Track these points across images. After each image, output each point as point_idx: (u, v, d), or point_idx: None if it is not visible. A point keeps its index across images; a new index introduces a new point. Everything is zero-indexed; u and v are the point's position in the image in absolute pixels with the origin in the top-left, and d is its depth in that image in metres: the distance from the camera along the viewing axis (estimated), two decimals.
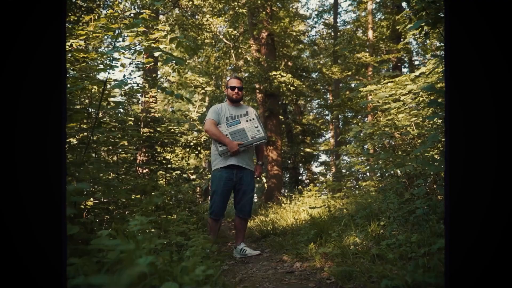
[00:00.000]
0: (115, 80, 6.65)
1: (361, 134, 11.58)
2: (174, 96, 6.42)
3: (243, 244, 7.33)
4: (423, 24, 5.18)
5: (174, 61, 6.41)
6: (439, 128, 6.33)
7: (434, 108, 6.64)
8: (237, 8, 19.08)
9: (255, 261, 6.64)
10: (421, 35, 5.71)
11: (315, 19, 30.49)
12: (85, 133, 6.55)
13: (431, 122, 7.33)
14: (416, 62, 24.58)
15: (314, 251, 6.07)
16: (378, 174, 11.96)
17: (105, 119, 7.58)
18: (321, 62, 26.70)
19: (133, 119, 11.26)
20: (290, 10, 23.43)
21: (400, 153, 8.56)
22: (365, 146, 12.07)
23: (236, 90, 7.37)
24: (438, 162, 5.30)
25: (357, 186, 15.23)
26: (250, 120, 7.22)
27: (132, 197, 6.85)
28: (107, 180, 6.51)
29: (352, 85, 24.48)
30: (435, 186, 6.52)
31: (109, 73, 6.05)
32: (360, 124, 13.69)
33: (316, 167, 34.82)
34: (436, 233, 4.50)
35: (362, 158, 13.15)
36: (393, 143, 9.58)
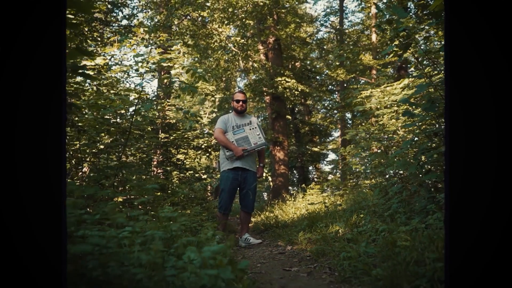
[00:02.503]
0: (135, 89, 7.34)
1: (357, 137, 11.90)
2: (190, 115, 7.23)
3: (247, 234, 8.00)
4: (396, 48, 5.97)
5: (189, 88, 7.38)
6: (419, 134, 6.82)
7: (408, 119, 7.26)
8: (244, 20, 18.92)
9: (257, 247, 7.51)
10: (395, 57, 6.54)
11: (321, 22, 29.81)
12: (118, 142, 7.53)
13: (410, 129, 7.73)
14: (425, 62, 24.06)
15: (302, 237, 6.98)
16: (371, 173, 12.03)
17: (128, 125, 8.10)
18: (329, 61, 26.20)
19: (152, 127, 11.75)
20: (298, 12, 22.87)
21: (392, 154, 8.66)
22: (364, 148, 12.07)
23: (240, 103, 8.02)
24: (411, 164, 6.17)
25: (359, 184, 15.12)
26: (253, 128, 7.89)
27: (157, 194, 7.81)
28: (136, 180, 7.44)
29: (359, 83, 24.02)
30: (408, 185, 6.97)
31: (140, 95, 7.48)
32: (364, 124, 13.56)
33: (324, 165, 34.33)
34: (402, 222, 5.34)
35: (358, 158, 13.21)
36: (383, 145, 9.74)
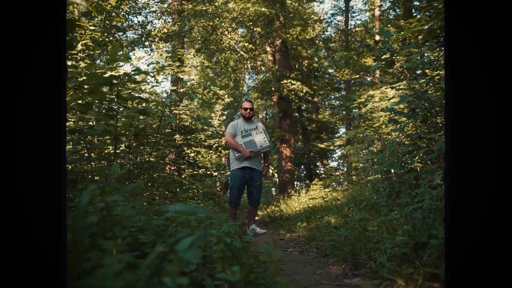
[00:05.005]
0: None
1: (355, 137, 12.48)
2: (203, 121, 8.40)
3: (254, 225, 8.70)
4: (382, 63, 6.47)
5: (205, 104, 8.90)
6: (409, 136, 7.39)
7: (393, 125, 8.01)
8: (252, 28, 18.78)
9: (262, 236, 8.34)
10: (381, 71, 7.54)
11: (328, 21, 29.11)
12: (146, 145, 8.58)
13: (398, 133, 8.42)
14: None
15: (300, 226, 8.04)
16: (370, 170, 12.16)
17: (150, 130, 9.24)
18: (336, 58, 25.74)
19: (170, 130, 12.41)
20: (305, 12, 22.39)
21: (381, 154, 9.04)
22: (362, 148, 12.18)
23: (248, 110, 8.72)
24: (395, 164, 7.14)
25: (358, 180, 15.06)
26: (258, 133, 8.59)
27: (177, 190, 8.78)
28: (159, 177, 8.52)
29: (366, 82, 23.65)
30: (394, 178, 7.91)
31: (163, 110, 8.87)
32: (364, 124, 13.57)
33: (333, 161, 33.70)
34: (384, 213, 5.79)
35: (357, 157, 13.30)
36: (379, 145, 10.07)
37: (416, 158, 6.84)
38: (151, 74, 8.00)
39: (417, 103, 6.28)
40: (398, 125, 6.95)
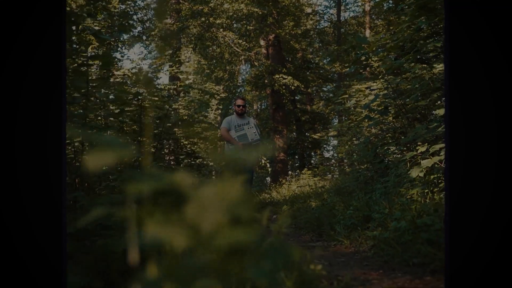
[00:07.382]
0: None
1: (340, 130, 13.14)
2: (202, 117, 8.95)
3: None
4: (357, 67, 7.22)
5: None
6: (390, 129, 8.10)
7: (368, 121, 8.57)
8: (246, 26, 18.67)
9: None
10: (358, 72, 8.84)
11: (321, 14, 28.39)
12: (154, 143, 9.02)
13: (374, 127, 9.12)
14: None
15: (285, 209, 8.72)
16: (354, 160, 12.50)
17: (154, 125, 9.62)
18: (330, 50, 25.20)
19: (170, 125, 12.64)
20: (298, 6, 21.97)
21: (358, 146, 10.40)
22: (346, 140, 12.52)
23: (240, 107, 9.19)
24: (370, 155, 8.12)
25: (343, 169, 15.22)
26: (250, 127, 9.06)
27: None
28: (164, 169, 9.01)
29: (359, 76, 23.15)
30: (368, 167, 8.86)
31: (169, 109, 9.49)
32: (350, 117, 13.67)
33: (325, 151, 33.17)
34: (360, 199, 6.36)
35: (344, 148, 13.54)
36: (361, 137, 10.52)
37: (392, 149, 7.56)
38: (162, 85, 8.48)
39: (390, 102, 6.98)
40: (373, 121, 7.70)
